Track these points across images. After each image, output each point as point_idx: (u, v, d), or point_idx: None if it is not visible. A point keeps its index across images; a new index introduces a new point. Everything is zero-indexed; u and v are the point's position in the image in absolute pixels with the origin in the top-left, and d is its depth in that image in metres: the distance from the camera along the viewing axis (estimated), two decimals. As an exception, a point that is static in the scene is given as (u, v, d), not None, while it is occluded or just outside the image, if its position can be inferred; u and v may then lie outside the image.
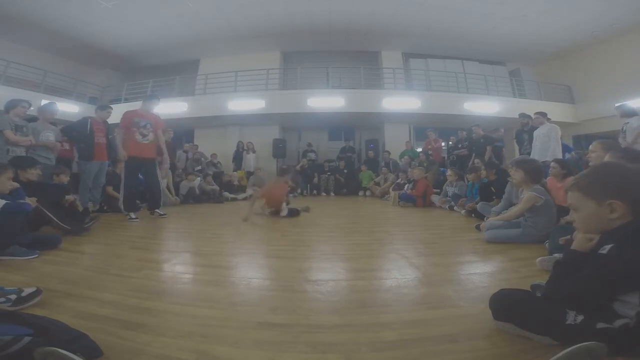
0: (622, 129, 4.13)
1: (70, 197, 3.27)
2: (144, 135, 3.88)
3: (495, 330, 1.09)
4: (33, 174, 2.88)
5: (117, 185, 4.73)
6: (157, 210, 4.15)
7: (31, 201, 2.36)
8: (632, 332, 0.86)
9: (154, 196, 4.19)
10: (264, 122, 9.36)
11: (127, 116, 3.92)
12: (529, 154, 4.84)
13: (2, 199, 2.07)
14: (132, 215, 3.83)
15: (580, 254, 1.07)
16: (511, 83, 9.75)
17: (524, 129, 5.33)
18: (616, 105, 4.71)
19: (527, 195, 2.54)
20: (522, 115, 5.43)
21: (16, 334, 0.84)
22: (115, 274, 1.78)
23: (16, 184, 2.30)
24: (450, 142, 7.91)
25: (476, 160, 5.61)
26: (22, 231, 2.21)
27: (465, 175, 4.96)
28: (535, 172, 2.65)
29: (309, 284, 1.66)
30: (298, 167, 8.32)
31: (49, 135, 3.90)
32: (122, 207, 3.89)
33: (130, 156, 3.83)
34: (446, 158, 8.00)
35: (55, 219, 2.76)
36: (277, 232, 3.24)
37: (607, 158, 2.06)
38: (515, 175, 2.65)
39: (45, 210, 2.67)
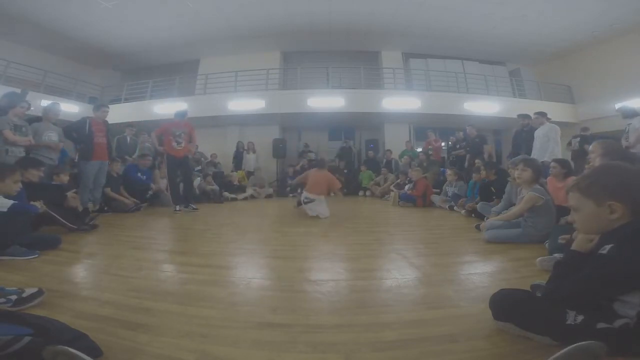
0: (625, 129, 4.13)
1: (71, 194, 3.27)
2: (178, 143, 4.73)
3: (495, 330, 1.09)
4: (35, 175, 2.88)
5: (116, 186, 4.75)
6: (190, 204, 4.77)
7: (39, 204, 2.36)
8: (632, 332, 0.86)
9: (187, 192, 4.91)
10: (264, 122, 9.35)
11: (163, 126, 4.81)
12: (528, 154, 4.83)
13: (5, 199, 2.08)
14: (177, 207, 4.61)
15: (580, 255, 1.07)
16: (511, 83, 9.74)
17: (524, 129, 5.32)
18: (617, 107, 4.71)
19: (527, 196, 2.54)
20: (521, 116, 5.40)
21: (16, 333, 0.84)
22: (115, 274, 1.78)
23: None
24: (450, 143, 7.92)
25: (477, 161, 5.61)
26: (25, 232, 2.21)
27: (470, 174, 4.96)
28: (538, 172, 2.67)
29: (309, 284, 1.66)
30: (298, 167, 8.32)
31: (52, 136, 3.90)
32: (172, 200, 4.75)
33: (169, 155, 4.72)
34: (446, 158, 8.01)
35: (61, 219, 2.77)
36: (277, 232, 3.24)
37: (597, 161, 2.07)
38: (523, 174, 2.65)
39: (50, 212, 2.68)
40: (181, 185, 4.93)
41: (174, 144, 4.68)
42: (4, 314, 0.98)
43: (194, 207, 4.77)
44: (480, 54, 9.85)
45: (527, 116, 5.31)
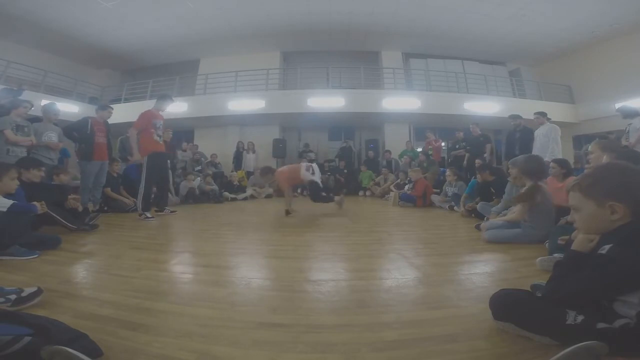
0: (626, 129, 4.14)
1: (72, 196, 3.28)
2: (159, 137, 4.04)
3: (495, 330, 1.09)
4: (36, 175, 2.87)
5: (115, 186, 4.76)
6: (166, 207, 4.25)
7: (40, 205, 2.37)
8: (633, 332, 0.86)
9: (162, 194, 4.32)
10: (264, 122, 9.36)
11: (146, 116, 3.96)
12: (522, 153, 4.84)
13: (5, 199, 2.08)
14: (148, 214, 3.89)
15: (580, 255, 1.07)
16: (511, 83, 9.75)
17: (516, 129, 5.38)
18: (617, 107, 4.72)
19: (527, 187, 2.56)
20: (513, 117, 5.50)
21: (16, 334, 0.84)
22: (115, 274, 1.78)
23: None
24: (450, 143, 7.93)
25: (477, 161, 5.61)
26: (24, 232, 2.21)
27: (469, 173, 4.95)
28: (537, 170, 2.72)
29: (309, 284, 1.66)
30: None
31: (52, 136, 3.91)
32: (140, 205, 3.93)
33: (152, 152, 3.93)
34: (446, 158, 8.02)
35: (61, 219, 2.78)
36: (277, 232, 3.24)
37: (605, 159, 2.07)
38: (512, 172, 2.69)
39: (50, 212, 2.68)
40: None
41: (156, 137, 3.92)
42: (3, 314, 0.98)
43: (170, 210, 4.14)
44: (480, 54, 9.85)
45: (518, 117, 5.43)
